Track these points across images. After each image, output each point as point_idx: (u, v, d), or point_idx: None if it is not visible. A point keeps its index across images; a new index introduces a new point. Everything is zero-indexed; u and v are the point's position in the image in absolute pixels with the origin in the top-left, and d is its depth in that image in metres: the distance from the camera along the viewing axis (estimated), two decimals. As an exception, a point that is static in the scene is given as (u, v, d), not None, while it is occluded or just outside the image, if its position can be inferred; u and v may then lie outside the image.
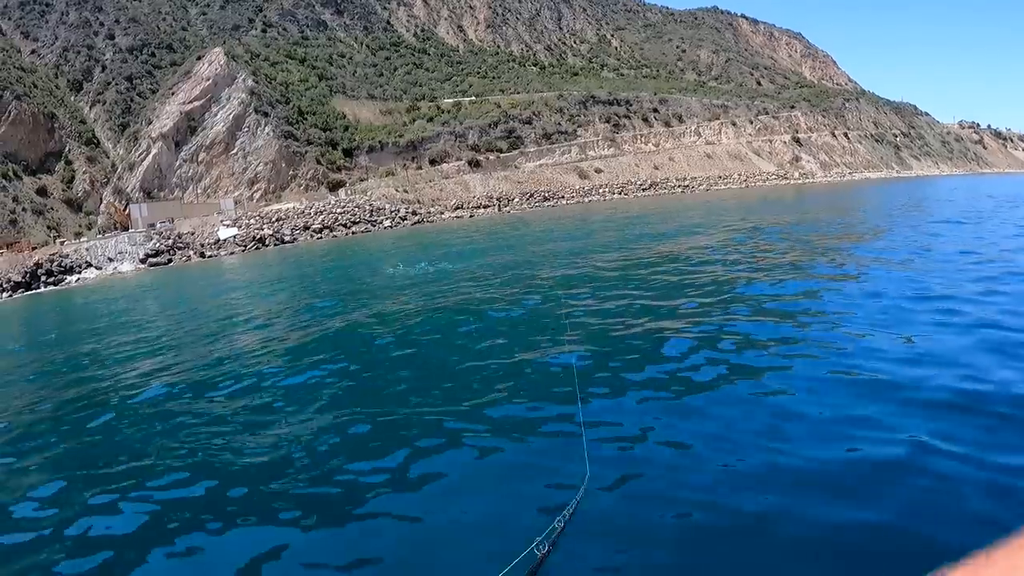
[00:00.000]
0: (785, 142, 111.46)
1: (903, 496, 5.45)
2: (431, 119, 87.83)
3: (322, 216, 62.19)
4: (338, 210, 63.78)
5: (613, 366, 9.99)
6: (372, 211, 64.94)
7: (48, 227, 68.14)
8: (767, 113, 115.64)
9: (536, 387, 9.30)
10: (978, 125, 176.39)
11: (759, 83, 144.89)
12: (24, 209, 68.63)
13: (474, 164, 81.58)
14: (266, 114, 76.70)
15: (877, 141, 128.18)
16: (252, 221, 60.76)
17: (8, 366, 17.84)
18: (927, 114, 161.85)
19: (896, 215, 34.48)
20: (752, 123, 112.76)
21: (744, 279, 16.47)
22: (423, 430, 7.98)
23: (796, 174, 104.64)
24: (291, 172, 74.89)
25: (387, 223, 63.65)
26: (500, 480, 6.43)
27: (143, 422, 10.09)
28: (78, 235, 65.10)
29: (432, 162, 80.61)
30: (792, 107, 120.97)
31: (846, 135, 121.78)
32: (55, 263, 50.91)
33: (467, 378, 10.10)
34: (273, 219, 61.26)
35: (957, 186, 62.32)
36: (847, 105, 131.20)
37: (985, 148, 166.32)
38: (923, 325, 10.38)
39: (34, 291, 47.02)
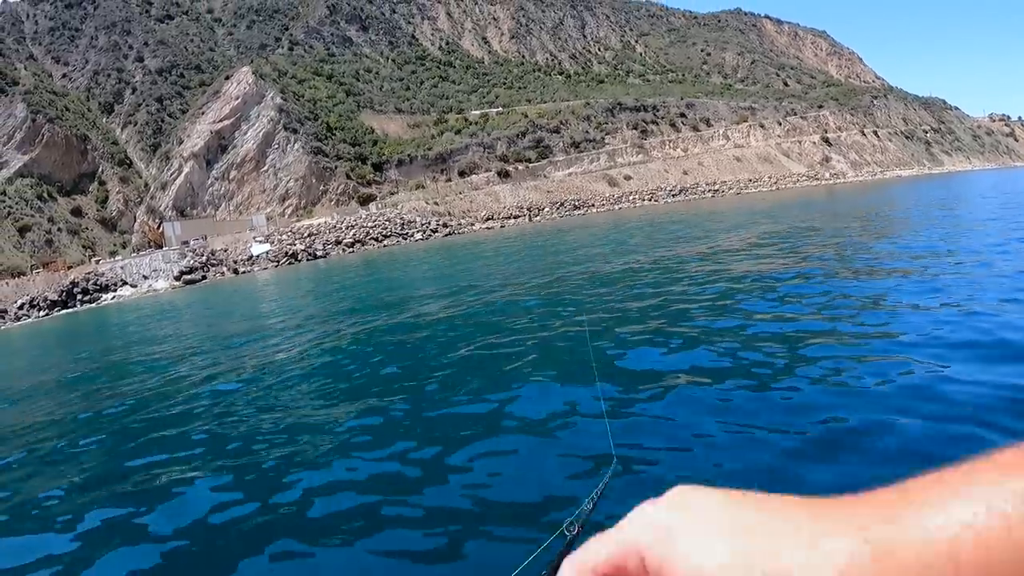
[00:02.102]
0: (814, 142, 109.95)
1: None
2: (459, 131, 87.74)
3: (353, 230, 62.17)
4: (369, 224, 63.74)
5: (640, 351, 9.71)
6: (403, 224, 64.74)
7: (83, 246, 69.08)
8: (795, 114, 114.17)
9: (559, 369, 9.17)
10: (1008, 117, 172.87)
11: (785, 83, 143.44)
12: (59, 229, 69.69)
13: (503, 175, 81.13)
14: (295, 131, 77.04)
15: (907, 138, 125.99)
16: (284, 237, 60.91)
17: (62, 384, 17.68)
18: (956, 108, 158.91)
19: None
20: (780, 124, 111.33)
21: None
22: (452, 423, 7.86)
23: (827, 175, 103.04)
24: (321, 187, 75.04)
25: (418, 236, 63.38)
26: (528, 464, 6.31)
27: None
28: (113, 254, 65.75)
29: (461, 174, 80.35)
30: (820, 107, 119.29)
31: (875, 133, 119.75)
32: (91, 281, 51.40)
33: (493, 366, 10.07)
34: (305, 234, 61.29)
35: (994, 182, 59.89)
36: (875, 102, 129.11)
37: (1017, 140, 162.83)
38: None
39: (71, 309, 47.38)
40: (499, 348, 11.42)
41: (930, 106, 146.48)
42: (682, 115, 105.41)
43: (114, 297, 50.63)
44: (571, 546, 3.86)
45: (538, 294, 16.83)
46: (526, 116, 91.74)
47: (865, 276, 13.73)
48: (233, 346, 18.63)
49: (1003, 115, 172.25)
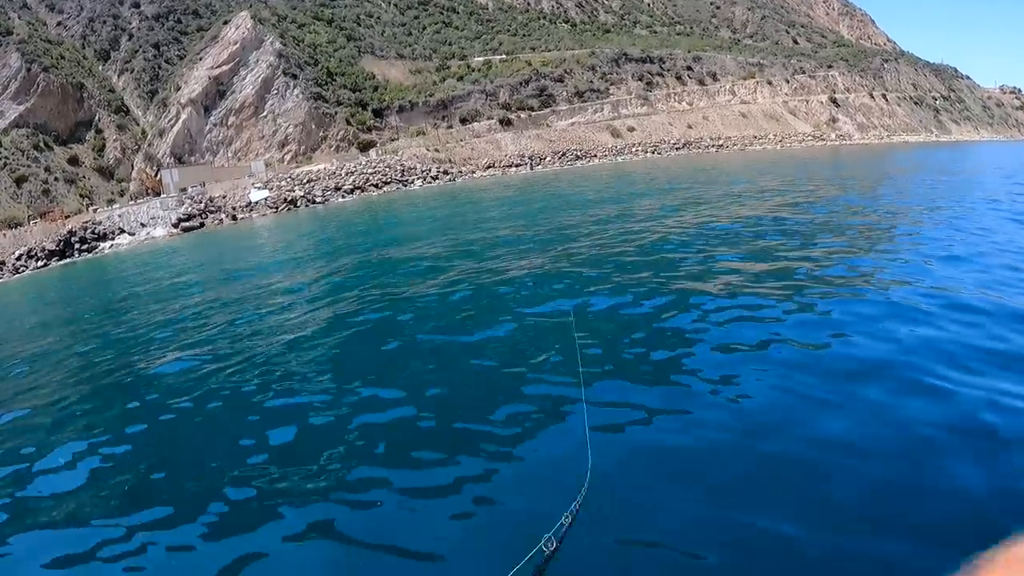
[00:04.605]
0: (822, 102, 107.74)
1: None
2: (461, 78, 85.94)
3: (353, 176, 61.39)
4: (369, 170, 62.91)
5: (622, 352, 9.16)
6: (403, 171, 63.92)
7: (80, 195, 68.23)
8: (803, 72, 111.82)
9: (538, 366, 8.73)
10: (1020, 90, 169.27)
11: (795, 41, 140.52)
12: (56, 179, 68.87)
13: (505, 123, 79.73)
14: (295, 76, 75.50)
15: (916, 104, 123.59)
16: (283, 183, 60.08)
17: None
18: (968, 77, 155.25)
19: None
20: (788, 82, 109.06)
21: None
22: (426, 432, 7.40)
23: (833, 135, 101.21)
24: (321, 133, 73.84)
25: (418, 182, 62.73)
26: (505, 473, 6.17)
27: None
28: (110, 202, 64.92)
29: (463, 121, 78.97)
30: (829, 67, 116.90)
31: (884, 97, 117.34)
32: (88, 230, 50.68)
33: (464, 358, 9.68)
34: (304, 181, 60.50)
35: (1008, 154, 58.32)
36: (886, 66, 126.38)
37: None
38: None
39: (68, 259, 46.77)
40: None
41: (941, 73, 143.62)
42: (688, 68, 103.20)
43: (112, 246, 49.94)
44: (549, 562, 4.10)
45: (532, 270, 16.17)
46: (530, 64, 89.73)
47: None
48: (235, 279, 18.48)
49: (1014, 88, 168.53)
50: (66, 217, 56.61)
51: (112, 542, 5.99)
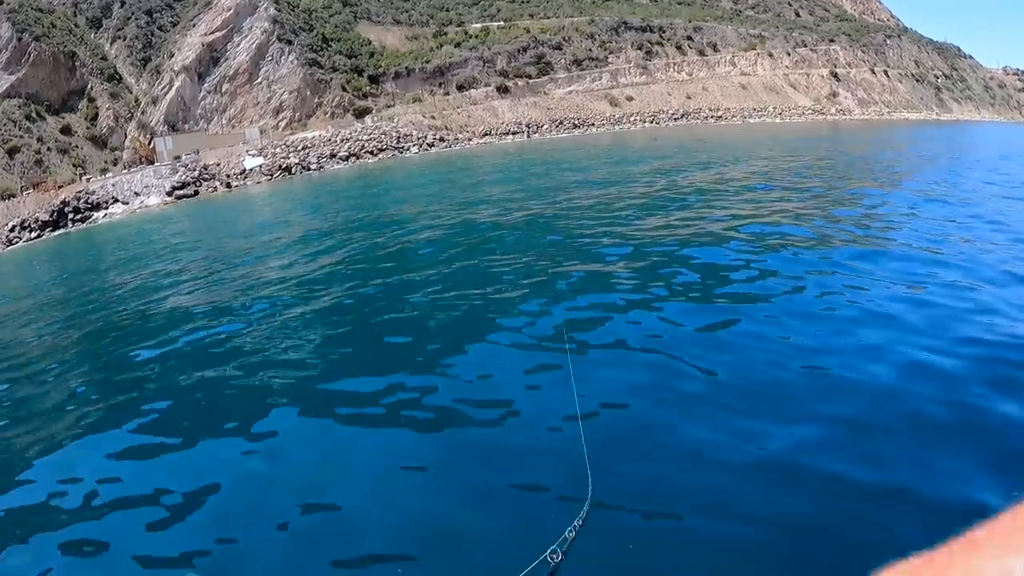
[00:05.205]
0: (823, 76, 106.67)
1: None
2: (458, 44, 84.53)
3: (348, 143, 60.85)
4: (364, 137, 62.32)
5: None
6: (399, 137, 63.35)
7: (74, 165, 67.63)
8: (805, 46, 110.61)
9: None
10: (1022, 72, 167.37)
11: (797, 14, 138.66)
12: (49, 149, 68.14)
13: (502, 90, 78.72)
14: (289, 42, 74.39)
15: (918, 81, 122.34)
16: (278, 150, 59.55)
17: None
18: (970, 57, 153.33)
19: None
20: (789, 55, 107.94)
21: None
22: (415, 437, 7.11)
23: (833, 109, 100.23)
24: (316, 100, 72.90)
25: (415, 149, 62.24)
26: (504, 488, 5.99)
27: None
28: (104, 171, 64.41)
29: (460, 88, 77.97)
30: (831, 40, 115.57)
31: (886, 73, 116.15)
32: (82, 200, 50.33)
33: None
34: (299, 147, 59.94)
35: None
36: (888, 42, 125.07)
37: None
38: None
39: (62, 230, 46.39)
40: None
41: (944, 52, 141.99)
42: (689, 38, 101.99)
43: (105, 215, 49.56)
44: (554, 573, 4.28)
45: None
46: (528, 31, 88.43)
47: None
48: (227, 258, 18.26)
49: (1017, 69, 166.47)
50: (59, 187, 56.04)
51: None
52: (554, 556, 4.38)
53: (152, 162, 63.15)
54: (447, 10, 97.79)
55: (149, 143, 68.19)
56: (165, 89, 72.11)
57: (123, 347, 11.14)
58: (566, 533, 4.63)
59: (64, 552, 5.75)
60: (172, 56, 75.28)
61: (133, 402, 8.38)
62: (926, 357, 7.17)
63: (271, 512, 5.78)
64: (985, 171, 21.78)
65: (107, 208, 50.70)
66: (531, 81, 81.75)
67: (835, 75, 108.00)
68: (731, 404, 6.70)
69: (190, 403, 8.22)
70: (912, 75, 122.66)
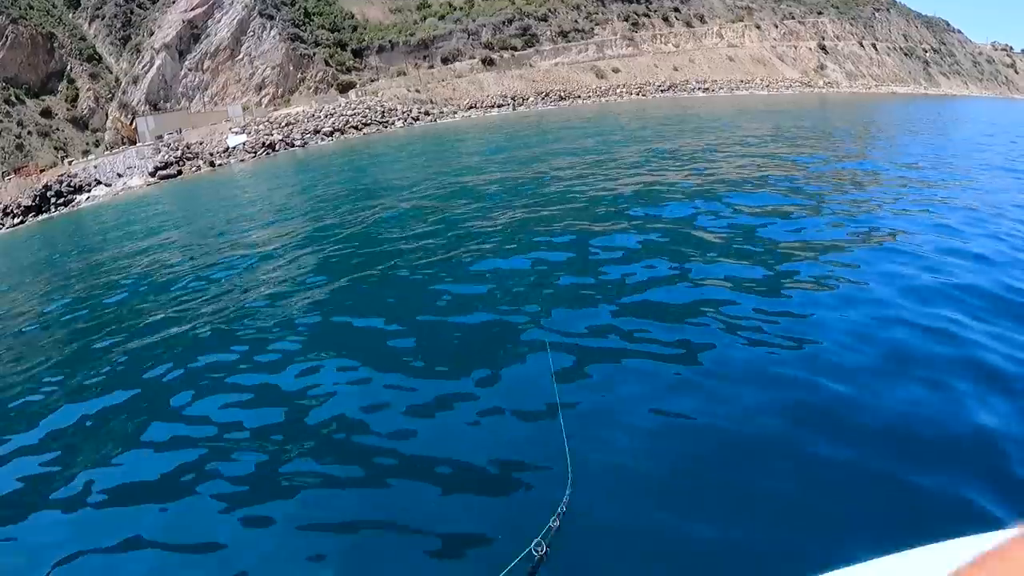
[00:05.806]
0: (810, 49, 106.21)
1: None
2: (442, 17, 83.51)
3: (332, 119, 60.19)
4: (348, 112, 61.61)
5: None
6: (384, 112, 62.66)
7: (55, 148, 66.77)
8: (793, 18, 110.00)
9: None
10: (1011, 48, 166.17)
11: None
12: (29, 132, 67.21)
13: (487, 63, 77.92)
14: (271, 17, 73.36)
15: (906, 55, 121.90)
16: (261, 127, 58.94)
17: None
18: (959, 31, 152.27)
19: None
20: (777, 27, 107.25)
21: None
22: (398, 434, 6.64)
23: (820, 82, 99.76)
24: (299, 75, 72.05)
25: (399, 123, 61.60)
26: (482, 476, 5.77)
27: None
28: (85, 153, 63.66)
29: (444, 61, 77.15)
30: (819, 13, 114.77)
31: (874, 46, 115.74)
32: (64, 183, 49.64)
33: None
34: (283, 124, 59.35)
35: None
36: (877, 15, 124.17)
37: (1017, 73, 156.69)
38: None
39: (45, 215, 45.90)
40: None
41: (932, 26, 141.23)
42: (676, 10, 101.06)
43: (88, 198, 48.94)
44: (539, 566, 4.07)
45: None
46: (513, 3, 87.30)
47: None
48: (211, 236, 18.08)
49: (1006, 45, 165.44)
50: (41, 171, 55.37)
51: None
52: (539, 548, 4.25)
53: (134, 142, 62.36)
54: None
55: (131, 123, 67.30)
56: (146, 68, 71.07)
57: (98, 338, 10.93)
58: (550, 523, 4.47)
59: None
60: (152, 34, 74.17)
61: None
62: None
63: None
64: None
65: (90, 191, 50.13)
66: (516, 54, 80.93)
67: (823, 48, 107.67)
68: (712, 380, 6.57)
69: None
70: (900, 48, 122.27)
